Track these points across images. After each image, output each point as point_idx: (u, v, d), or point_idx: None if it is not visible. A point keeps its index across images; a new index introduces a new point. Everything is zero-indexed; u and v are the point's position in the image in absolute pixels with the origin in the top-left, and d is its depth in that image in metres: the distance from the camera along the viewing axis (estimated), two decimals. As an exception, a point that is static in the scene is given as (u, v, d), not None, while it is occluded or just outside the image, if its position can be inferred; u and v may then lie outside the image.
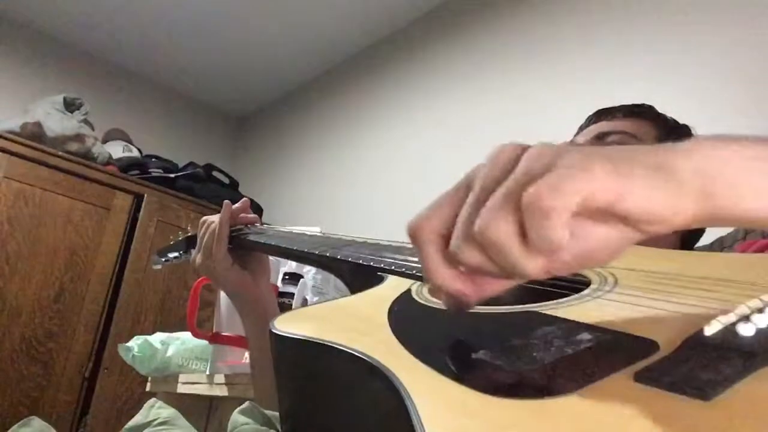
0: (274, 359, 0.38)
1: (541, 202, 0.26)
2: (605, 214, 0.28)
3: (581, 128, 0.94)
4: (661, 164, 0.28)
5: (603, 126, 0.87)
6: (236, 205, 0.91)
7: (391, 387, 0.27)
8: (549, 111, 1.90)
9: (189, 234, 1.01)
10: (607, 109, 0.92)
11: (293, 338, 0.36)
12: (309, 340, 0.35)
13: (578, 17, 1.95)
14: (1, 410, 2.05)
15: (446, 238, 0.31)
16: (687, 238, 0.85)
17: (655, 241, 0.59)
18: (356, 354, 0.31)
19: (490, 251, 0.29)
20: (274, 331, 0.37)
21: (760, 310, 0.29)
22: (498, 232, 0.28)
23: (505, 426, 0.24)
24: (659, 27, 1.71)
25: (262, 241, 0.81)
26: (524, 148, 0.30)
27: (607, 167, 0.27)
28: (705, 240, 0.91)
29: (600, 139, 0.84)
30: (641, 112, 0.89)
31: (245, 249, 0.87)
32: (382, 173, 2.48)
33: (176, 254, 1.01)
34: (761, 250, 0.71)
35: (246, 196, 2.93)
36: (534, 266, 0.28)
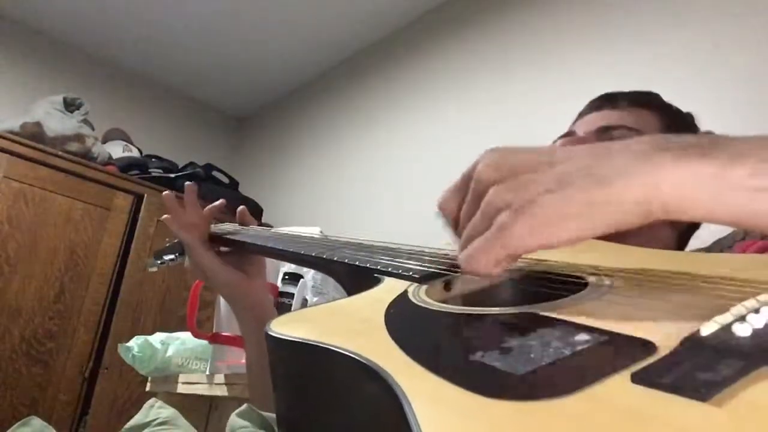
0: (270, 362, 0.38)
1: (466, 267, 0.38)
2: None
3: (582, 114, 0.92)
4: (595, 202, 0.33)
5: (606, 116, 0.86)
6: (210, 206, 0.93)
7: (388, 389, 0.27)
8: (549, 109, 1.90)
9: None
10: (610, 96, 0.90)
11: (289, 340, 0.36)
12: (305, 343, 0.35)
13: (578, 16, 1.95)
14: (1, 410, 2.06)
15: (458, 216, 0.42)
16: (683, 232, 0.85)
17: (650, 237, 0.58)
18: (352, 356, 0.31)
19: None
20: (270, 333, 0.37)
21: (756, 311, 0.29)
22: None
23: (502, 428, 0.24)
24: (659, 26, 1.71)
25: (258, 243, 0.81)
26: (493, 182, 0.38)
27: (527, 230, 0.35)
28: (704, 240, 0.91)
29: (603, 132, 0.83)
30: (646, 102, 0.87)
31: (241, 250, 0.87)
32: (382, 173, 2.48)
33: (172, 257, 1.00)
34: (761, 251, 0.71)
35: (246, 196, 2.93)
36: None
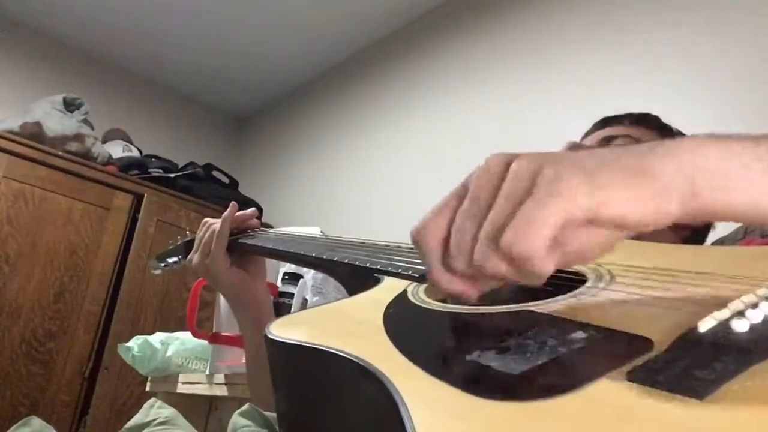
0: (270, 364, 0.38)
1: (515, 249, 0.29)
2: (590, 222, 0.30)
3: (587, 134, 0.97)
4: (644, 169, 0.29)
5: (609, 131, 0.91)
6: (244, 211, 0.92)
7: (384, 391, 0.27)
8: (548, 109, 1.90)
9: (188, 238, 1.00)
10: (613, 116, 0.95)
11: (288, 343, 0.36)
12: (304, 345, 0.35)
13: (577, 17, 1.95)
14: (1, 410, 2.06)
15: (446, 244, 0.34)
16: (698, 232, 0.85)
17: (657, 236, 0.59)
18: (350, 358, 0.31)
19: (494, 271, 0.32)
20: (269, 336, 0.37)
21: (755, 306, 0.29)
22: (490, 268, 0.32)
23: (498, 429, 0.24)
24: (659, 27, 1.70)
25: (259, 244, 0.81)
26: (509, 162, 0.32)
27: (582, 185, 0.29)
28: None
29: (607, 141, 0.88)
30: (646, 121, 0.91)
31: (242, 252, 0.87)
32: (382, 173, 2.48)
33: (175, 259, 1.00)
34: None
35: (246, 196, 2.92)
36: (538, 279, 0.31)
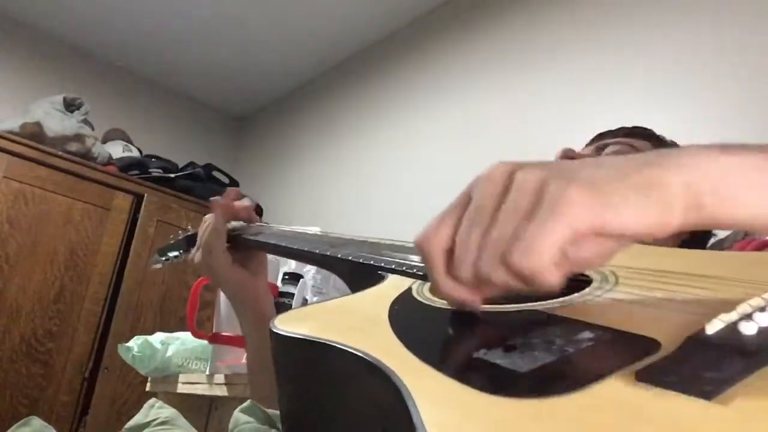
0: (274, 358, 0.38)
1: (523, 267, 0.30)
2: (595, 235, 0.30)
3: (585, 147, 1.00)
4: (649, 182, 0.29)
5: (604, 143, 0.94)
6: (228, 196, 0.91)
7: (392, 386, 0.27)
8: (548, 111, 1.90)
9: (189, 233, 1.00)
10: (608, 131, 0.98)
11: (293, 337, 0.36)
12: (309, 339, 0.35)
13: (578, 17, 1.95)
14: (1, 410, 2.05)
15: (450, 252, 0.34)
16: (698, 236, 0.85)
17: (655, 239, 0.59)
18: (357, 353, 0.31)
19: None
20: (274, 330, 0.37)
21: (762, 309, 0.29)
22: (497, 279, 0.31)
23: (506, 426, 0.24)
24: (659, 27, 1.70)
25: (262, 240, 0.81)
26: (513, 172, 0.32)
27: (586, 201, 0.29)
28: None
29: (602, 149, 0.92)
30: (641, 133, 0.95)
31: (245, 248, 0.87)
32: (382, 173, 2.48)
33: (176, 253, 1.00)
34: (760, 248, 0.71)
35: (246, 196, 2.92)
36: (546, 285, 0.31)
